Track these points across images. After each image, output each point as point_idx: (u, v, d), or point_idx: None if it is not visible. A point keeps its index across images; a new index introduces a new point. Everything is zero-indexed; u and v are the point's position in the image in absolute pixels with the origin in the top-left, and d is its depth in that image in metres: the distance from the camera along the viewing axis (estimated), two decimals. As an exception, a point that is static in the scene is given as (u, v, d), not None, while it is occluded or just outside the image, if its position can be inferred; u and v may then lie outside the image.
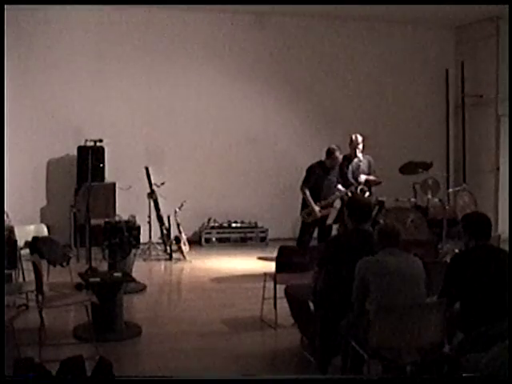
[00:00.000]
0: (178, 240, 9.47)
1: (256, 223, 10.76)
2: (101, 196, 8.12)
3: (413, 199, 9.65)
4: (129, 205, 8.98)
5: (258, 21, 10.69)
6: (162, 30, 10.42)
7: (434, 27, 11.42)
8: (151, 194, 9.46)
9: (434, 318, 4.10)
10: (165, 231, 9.50)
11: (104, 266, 7.59)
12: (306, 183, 8.24)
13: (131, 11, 10.15)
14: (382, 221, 8.08)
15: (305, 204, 8.27)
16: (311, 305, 5.12)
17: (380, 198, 8.85)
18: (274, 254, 6.15)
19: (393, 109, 11.33)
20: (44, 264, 6.23)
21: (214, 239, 10.58)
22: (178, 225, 9.56)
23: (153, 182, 9.49)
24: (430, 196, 9.31)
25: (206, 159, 10.67)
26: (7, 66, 8.97)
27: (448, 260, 4.90)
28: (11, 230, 7.33)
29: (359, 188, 8.32)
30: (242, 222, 10.72)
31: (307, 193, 8.18)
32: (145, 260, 9.26)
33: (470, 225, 4.36)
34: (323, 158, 8.30)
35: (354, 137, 8.61)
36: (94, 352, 5.02)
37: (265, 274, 6.28)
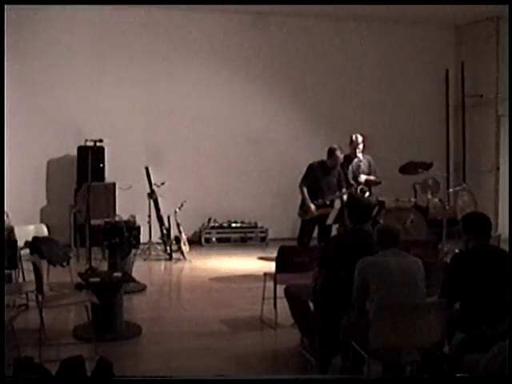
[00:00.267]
0: (177, 240, 9.47)
1: (256, 223, 10.76)
2: (101, 196, 8.12)
3: (413, 199, 9.65)
4: (129, 205, 8.97)
5: (258, 21, 10.69)
6: (162, 30, 10.42)
7: (433, 27, 11.42)
8: (151, 194, 9.46)
9: (434, 318, 4.10)
10: (165, 231, 9.50)
11: (104, 266, 7.59)
12: (303, 181, 8.26)
13: (131, 11, 10.15)
14: (381, 221, 8.09)
15: (303, 203, 8.28)
16: (311, 305, 5.12)
17: (380, 198, 8.86)
18: (274, 254, 6.14)
19: (393, 109, 11.33)
20: (44, 264, 6.22)
21: (214, 239, 10.58)
22: (178, 225, 9.56)
23: (153, 182, 9.49)
24: (429, 196, 9.32)
25: (206, 159, 10.67)
26: (7, 66, 8.96)
27: (448, 260, 4.89)
28: (11, 230, 7.33)
29: (359, 188, 8.33)
30: (242, 222, 10.73)
31: (304, 190, 8.20)
32: (145, 260, 9.26)
33: (469, 225, 4.36)
34: (324, 157, 8.30)
35: (354, 137, 8.62)
36: (94, 352, 5.02)
37: (265, 274, 6.28)
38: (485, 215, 4.46)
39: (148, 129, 10.45)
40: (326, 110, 11.10)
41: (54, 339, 5.43)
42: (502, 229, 9.91)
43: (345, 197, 8.01)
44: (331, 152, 8.15)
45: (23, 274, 6.99)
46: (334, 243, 5.00)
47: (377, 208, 8.38)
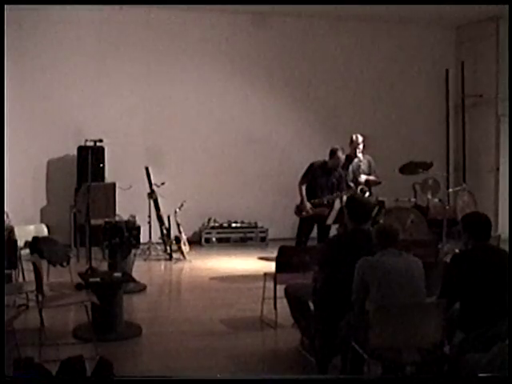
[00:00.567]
0: (178, 240, 9.47)
1: (256, 223, 10.76)
2: (101, 196, 8.11)
3: (413, 199, 9.65)
4: (129, 205, 8.96)
5: (258, 21, 10.69)
6: (162, 30, 10.42)
7: (433, 27, 11.42)
8: (151, 194, 9.46)
9: (434, 317, 4.10)
10: (165, 231, 9.50)
11: (104, 266, 7.60)
12: (303, 179, 8.27)
13: (131, 11, 10.15)
14: (381, 221, 8.08)
15: (302, 201, 8.29)
16: (311, 305, 5.12)
17: (380, 198, 8.84)
18: (274, 254, 6.15)
19: (393, 109, 11.33)
20: (44, 264, 6.23)
21: (214, 239, 10.58)
22: (178, 225, 9.56)
23: (153, 182, 9.49)
24: (429, 196, 9.32)
25: (206, 159, 10.67)
26: (7, 66, 8.96)
27: (448, 260, 4.89)
28: (11, 230, 7.33)
29: (359, 188, 8.33)
30: (242, 222, 10.73)
31: (302, 188, 8.22)
32: (145, 260, 9.26)
33: (469, 225, 4.36)
34: (324, 157, 8.30)
35: (354, 137, 8.62)
36: (94, 352, 5.02)
37: (265, 274, 6.28)
38: (485, 215, 4.46)
39: (148, 129, 10.45)
40: (326, 110, 11.10)
41: (53, 339, 5.43)
42: (502, 229, 9.90)
43: (344, 198, 8.01)
44: (333, 153, 8.16)
45: (23, 274, 6.98)
46: (333, 243, 5.00)
47: (377, 208, 8.37)
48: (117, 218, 7.95)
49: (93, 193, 7.76)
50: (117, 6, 9.88)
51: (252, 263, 9.15)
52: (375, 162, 8.78)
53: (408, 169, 9.37)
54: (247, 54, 10.80)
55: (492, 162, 11.02)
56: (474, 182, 10.91)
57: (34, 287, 5.46)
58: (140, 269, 8.18)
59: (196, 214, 10.34)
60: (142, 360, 5.35)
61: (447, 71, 11.55)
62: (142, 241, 8.60)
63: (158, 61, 10.45)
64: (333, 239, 5.52)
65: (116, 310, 5.80)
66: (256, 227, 10.73)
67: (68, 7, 9.74)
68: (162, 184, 9.52)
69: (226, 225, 10.67)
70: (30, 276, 5.86)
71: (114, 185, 8.45)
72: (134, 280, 6.64)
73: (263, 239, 10.67)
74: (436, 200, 9.38)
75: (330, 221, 7.93)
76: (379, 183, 8.68)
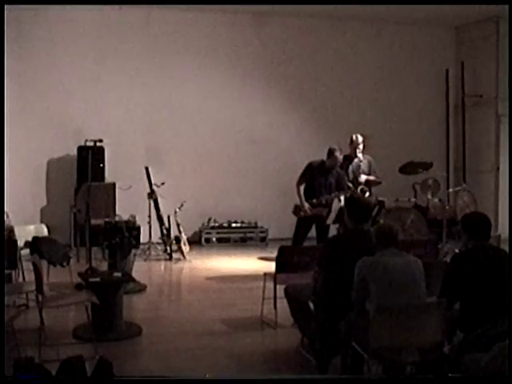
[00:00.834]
0: (178, 240, 9.46)
1: (256, 223, 10.76)
2: (101, 196, 8.10)
3: (413, 199, 9.65)
4: (129, 205, 8.97)
5: (258, 21, 10.69)
6: (162, 30, 10.42)
7: (434, 27, 11.42)
8: (151, 194, 9.46)
9: (434, 318, 4.10)
10: (165, 231, 9.50)
11: (104, 266, 7.59)
12: (301, 179, 8.27)
13: (131, 11, 10.15)
14: (381, 221, 8.09)
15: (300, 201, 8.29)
16: (311, 305, 5.12)
17: (380, 198, 8.84)
18: (274, 254, 6.15)
19: (393, 109, 11.33)
20: (44, 264, 6.22)
21: (214, 239, 10.58)
22: (178, 225, 9.56)
23: (153, 182, 9.49)
24: (429, 196, 9.32)
25: (206, 159, 10.66)
26: (7, 66, 8.96)
27: (448, 260, 4.89)
28: (11, 230, 7.34)
29: (359, 188, 8.33)
30: (242, 222, 10.72)
31: (300, 188, 8.22)
32: (145, 260, 9.26)
33: (469, 225, 4.36)
34: (324, 157, 8.30)
35: (354, 137, 8.62)
36: (94, 352, 5.02)
37: (265, 274, 6.28)
38: (485, 215, 4.47)
39: (148, 129, 10.44)
40: (326, 109, 11.10)
41: (54, 339, 5.43)
42: (502, 229, 9.90)
43: (342, 198, 8.02)
44: (331, 152, 8.15)
45: (23, 274, 6.99)
46: (333, 243, 5.00)
47: (377, 208, 8.38)
48: (117, 218, 7.94)
49: (93, 193, 7.75)
50: (116, 6, 9.88)
51: (252, 263, 9.15)
52: (375, 162, 8.78)
53: (408, 169, 9.37)
54: (247, 53, 10.79)
55: (492, 161, 11.03)
56: (474, 182, 10.91)
57: (33, 287, 5.46)
58: (140, 269, 8.17)
59: (196, 214, 10.34)
60: (142, 360, 5.36)
61: (447, 71, 11.55)
62: (142, 241, 8.63)
63: (158, 61, 10.45)
64: (333, 239, 5.52)
65: (116, 309, 5.80)
66: (256, 227, 10.73)
67: (67, 7, 9.74)
68: (162, 184, 9.52)
69: (225, 225, 10.67)
70: (30, 276, 5.87)
71: (114, 185, 8.45)
72: (133, 280, 6.64)
73: (263, 239, 10.67)
74: (436, 200, 9.38)
75: (329, 221, 7.92)
76: (379, 183, 8.67)
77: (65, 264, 6.92)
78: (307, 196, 8.19)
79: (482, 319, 4.05)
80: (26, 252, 6.99)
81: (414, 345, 4.12)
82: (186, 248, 9.50)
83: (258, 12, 10.52)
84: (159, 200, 9.48)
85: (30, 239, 7.02)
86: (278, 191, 10.66)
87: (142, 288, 7.48)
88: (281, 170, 10.74)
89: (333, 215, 7.83)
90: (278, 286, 5.98)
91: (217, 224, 10.64)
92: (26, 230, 7.55)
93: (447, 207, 9.35)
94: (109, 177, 9.70)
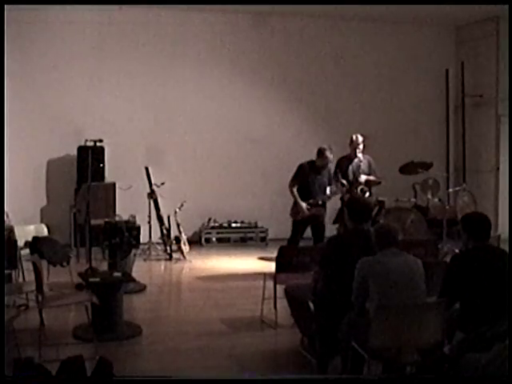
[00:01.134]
0: (178, 240, 9.47)
1: (256, 223, 10.76)
2: (101, 196, 8.10)
3: (413, 199, 9.66)
4: (129, 205, 8.97)
5: (258, 21, 10.69)
6: (162, 30, 10.42)
7: (434, 27, 11.42)
8: (151, 194, 9.46)
9: (434, 318, 4.11)
10: (165, 231, 9.50)
11: (104, 266, 7.59)
12: (293, 180, 8.26)
13: (131, 11, 10.15)
14: (381, 221, 8.09)
15: (296, 203, 8.28)
16: (311, 305, 5.12)
17: (380, 198, 8.85)
18: (274, 254, 6.15)
19: (393, 109, 11.32)
20: (44, 264, 6.22)
21: (214, 239, 10.57)
22: (178, 225, 9.56)
23: (153, 182, 9.49)
24: (429, 196, 9.32)
25: (206, 159, 10.66)
26: (7, 66, 8.97)
27: (448, 260, 4.89)
28: (11, 230, 7.34)
29: (359, 188, 8.33)
30: (242, 222, 10.72)
31: (294, 190, 8.21)
32: (145, 260, 9.26)
33: (469, 225, 4.36)
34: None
35: (354, 137, 8.61)
36: (94, 352, 5.02)
37: (265, 274, 6.28)
38: (485, 215, 4.47)
39: (148, 129, 10.44)
40: (326, 109, 11.10)
41: (54, 339, 5.43)
42: (502, 229, 9.90)
43: (338, 196, 8.06)
44: (320, 152, 8.14)
45: (23, 274, 6.99)
46: (334, 243, 5.00)
47: (377, 208, 8.38)
48: (117, 218, 7.94)
49: (93, 193, 7.75)
50: (116, 6, 9.88)
51: (252, 263, 9.15)
52: (375, 162, 8.77)
53: (408, 169, 9.37)
54: (247, 53, 10.79)
55: (492, 161, 11.02)
56: (474, 182, 10.91)
57: (33, 287, 5.46)
58: (140, 269, 8.17)
59: (196, 214, 10.34)
60: (141, 360, 5.35)
61: (447, 71, 11.54)
62: (142, 241, 8.62)
63: (158, 61, 10.45)
64: (333, 239, 5.51)
65: (116, 309, 5.80)
66: (256, 227, 10.73)
67: (67, 7, 9.74)
68: (162, 184, 9.52)
69: (225, 225, 10.67)
70: (30, 276, 5.87)
71: (114, 185, 8.45)
72: (133, 280, 6.64)
73: (263, 239, 10.67)
74: (436, 200, 9.38)
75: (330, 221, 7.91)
76: (379, 183, 8.67)
77: (65, 264, 6.92)
78: (302, 197, 8.17)
79: (481, 319, 4.05)
80: (26, 252, 6.99)
81: (414, 345, 4.12)
82: (186, 248, 9.50)
83: (257, 12, 10.52)
84: (159, 200, 9.48)
85: (30, 239, 7.01)
86: (277, 191, 10.62)
87: (141, 288, 7.48)
88: (281, 170, 10.68)
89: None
90: (277, 286, 5.99)
91: (217, 224, 10.64)
92: (26, 230, 7.55)
93: (447, 207, 9.34)
94: (109, 177, 9.70)
